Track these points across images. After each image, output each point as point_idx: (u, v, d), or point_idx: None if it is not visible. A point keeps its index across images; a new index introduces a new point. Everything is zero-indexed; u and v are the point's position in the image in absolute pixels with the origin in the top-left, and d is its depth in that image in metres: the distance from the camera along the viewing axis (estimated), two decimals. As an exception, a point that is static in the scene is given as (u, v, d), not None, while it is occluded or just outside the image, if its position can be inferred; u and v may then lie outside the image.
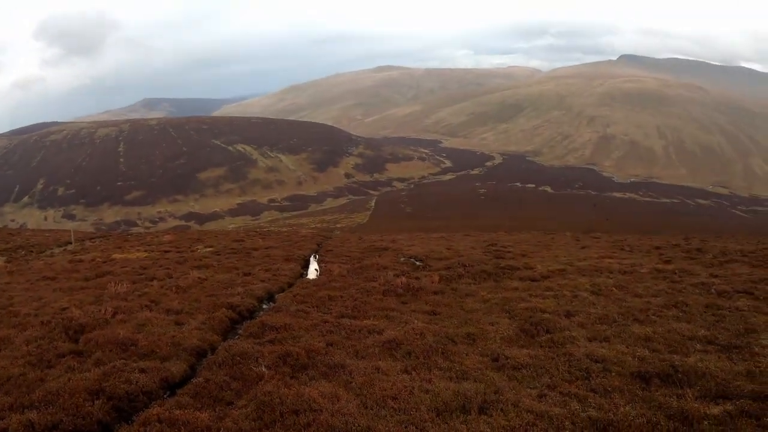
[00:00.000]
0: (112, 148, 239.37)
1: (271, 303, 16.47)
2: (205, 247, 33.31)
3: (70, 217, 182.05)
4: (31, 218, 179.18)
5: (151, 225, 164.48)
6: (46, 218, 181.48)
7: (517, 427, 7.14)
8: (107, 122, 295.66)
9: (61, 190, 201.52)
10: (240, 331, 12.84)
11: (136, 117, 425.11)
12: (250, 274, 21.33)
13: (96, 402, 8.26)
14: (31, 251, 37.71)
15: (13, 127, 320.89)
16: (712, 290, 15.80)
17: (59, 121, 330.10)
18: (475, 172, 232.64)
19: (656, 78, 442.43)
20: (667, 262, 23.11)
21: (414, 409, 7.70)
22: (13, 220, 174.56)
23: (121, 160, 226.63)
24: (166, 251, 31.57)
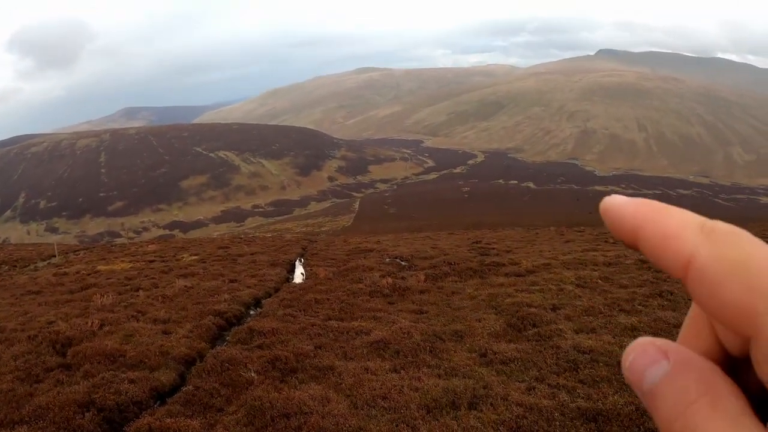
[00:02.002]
0: (93, 158, 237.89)
1: (258, 308, 16.44)
2: (190, 255, 33.17)
3: (53, 230, 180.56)
4: (14, 232, 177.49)
5: (134, 235, 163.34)
6: (28, 232, 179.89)
7: (507, 420, 7.20)
8: (87, 133, 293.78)
9: (43, 203, 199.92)
10: (228, 338, 12.82)
11: (116, 127, 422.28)
12: (236, 280, 21.27)
13: (86, 414, 8.23)
14: (15, 266, 37.36)
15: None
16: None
17: (39, 132, 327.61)
18: (458, 170, 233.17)
19: (634, 71, 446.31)
20: (651, 252, 23.29)
21: (404, 408, 7.73)
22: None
23: (103, 170, 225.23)
24: (150, 261, 31.40)
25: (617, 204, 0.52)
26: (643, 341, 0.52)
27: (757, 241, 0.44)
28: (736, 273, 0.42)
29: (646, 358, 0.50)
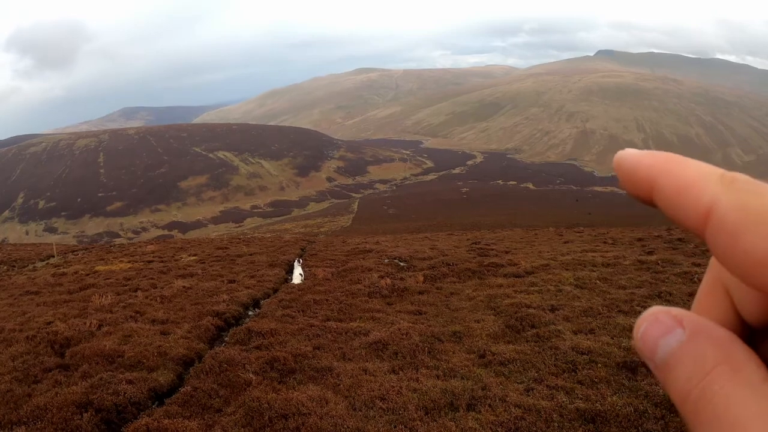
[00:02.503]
0: (92, 159, 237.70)
1: (256, 309, 16.43)
2: (189, 255, 33.14)
3: (52, 230, 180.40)
4: (13, 233, 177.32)
5: (133, 236, 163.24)
6: (27, 232, 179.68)
7: (505, 421, 7.20)
8: (86, 133, 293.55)
9: (41, 203, 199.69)
10: (226, 339, 12.81)
11: (115, 127, 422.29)
12: (234, 281, 21.25)
13: (84, 415, 8.22)
14: (14, 266, 37.32)
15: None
16: (695, 279, 15.97)
17: (38, 132, 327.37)
18: (457, 171, 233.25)
19: (633, 72, 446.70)
20: (650, 253, 23.30)
21: (402, 409, 7.73)
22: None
23: (102, 171, 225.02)
24: (149, 261, 31.36)
25: (632, 156, 0.50)
26: (656, 310, 0.49)
27: None
28: (759, 222, 0.40)
29: (659, 327, 0.46)
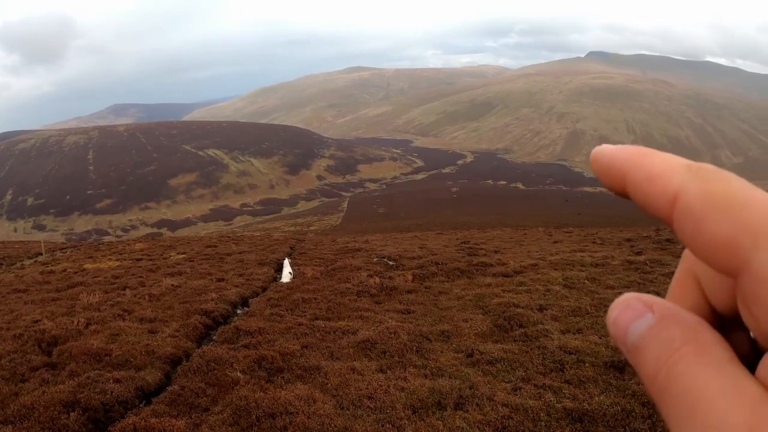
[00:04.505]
0: (81, 155, 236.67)
1: (245, 308, 16.38)
2: (178, 254, 33.04)
3: (41, 227, 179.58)
4: (1, 230, 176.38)
5: (122, 233, 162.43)
6: (15, 229, 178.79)
7: (492, 420, 7.21)
8: (76, 129, 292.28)
9: (30, 200, 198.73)
10: (214, 337, 12.76)
11: (104, 123, 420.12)
12: (223, 279, 21.19)
13: (71, 414, 8.17)
14: (1, 264, 37.10)
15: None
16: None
17: (27, 129, 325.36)
18: (447, 170, 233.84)
19: (624, 74, 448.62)
20: (638, 253, 23.40)
21: (390, 408, 7.73)
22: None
23: (91, 167, 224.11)
24: (138, 259, 31.25)
25: (607, 151, 0.51)
26: (628, 296, 0.50)
27: (744, 180, 0.43)
28: (723, 207, 0.41)
29: (630, 312, 0.48)
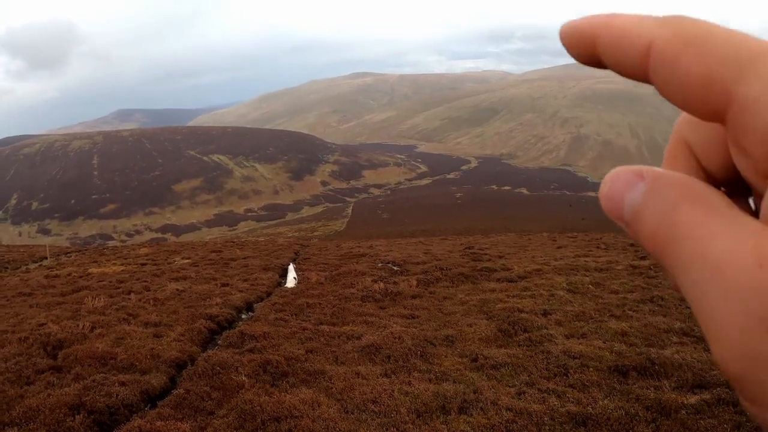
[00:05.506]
0: (86, 160, 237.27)
1: (249, 312, 16.42)
2: (183, 258, 33.10)
3: (45, 231, 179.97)
4: (5, 234, 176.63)
5: (127, 238, 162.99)
6: (20, 234, 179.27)
7: (496, 425, 7.23)
8: (81, 134, 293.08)
9: (35, 205, 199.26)
10: (219, 342, 12.79)
11: (109, 129, 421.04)
12: (228, 284, 21.23)
13: (77, 417, 8.20)
14: (6, 267, 37.20)
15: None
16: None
17: (32, 133, 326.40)
18: (451, 176, 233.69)
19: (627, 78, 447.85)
20: (643, 258, 23.36)
21: (394, 412, 7.75)
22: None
23: (96, 173, 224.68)
24: (143, 264, 31.31)
25: (575, 21, 0.48)
26: (617, 169, 0.47)
27: (715, 23, 0.42)
28: (698, 45, 0.40)
29: (622, 183, 0.46)
